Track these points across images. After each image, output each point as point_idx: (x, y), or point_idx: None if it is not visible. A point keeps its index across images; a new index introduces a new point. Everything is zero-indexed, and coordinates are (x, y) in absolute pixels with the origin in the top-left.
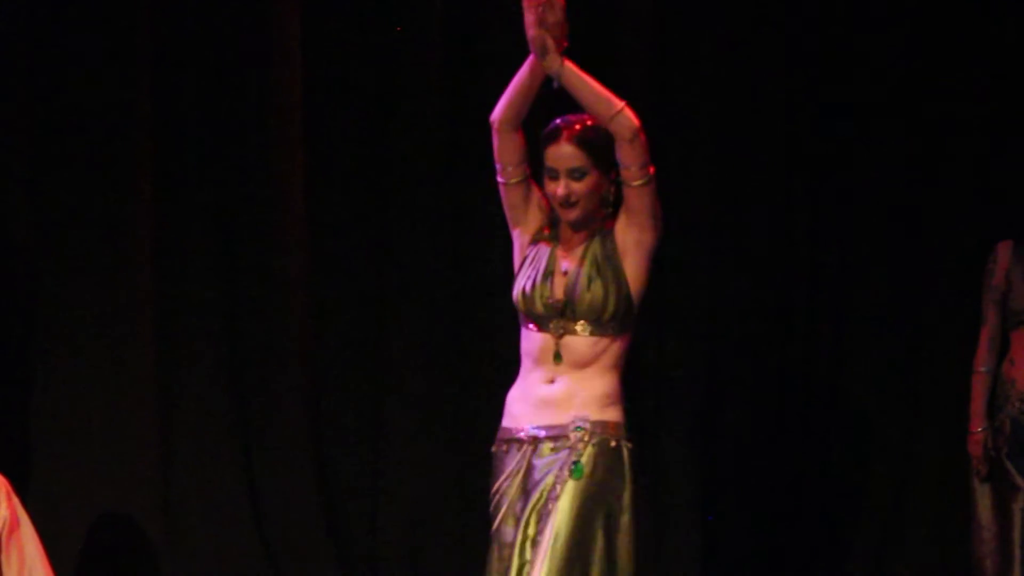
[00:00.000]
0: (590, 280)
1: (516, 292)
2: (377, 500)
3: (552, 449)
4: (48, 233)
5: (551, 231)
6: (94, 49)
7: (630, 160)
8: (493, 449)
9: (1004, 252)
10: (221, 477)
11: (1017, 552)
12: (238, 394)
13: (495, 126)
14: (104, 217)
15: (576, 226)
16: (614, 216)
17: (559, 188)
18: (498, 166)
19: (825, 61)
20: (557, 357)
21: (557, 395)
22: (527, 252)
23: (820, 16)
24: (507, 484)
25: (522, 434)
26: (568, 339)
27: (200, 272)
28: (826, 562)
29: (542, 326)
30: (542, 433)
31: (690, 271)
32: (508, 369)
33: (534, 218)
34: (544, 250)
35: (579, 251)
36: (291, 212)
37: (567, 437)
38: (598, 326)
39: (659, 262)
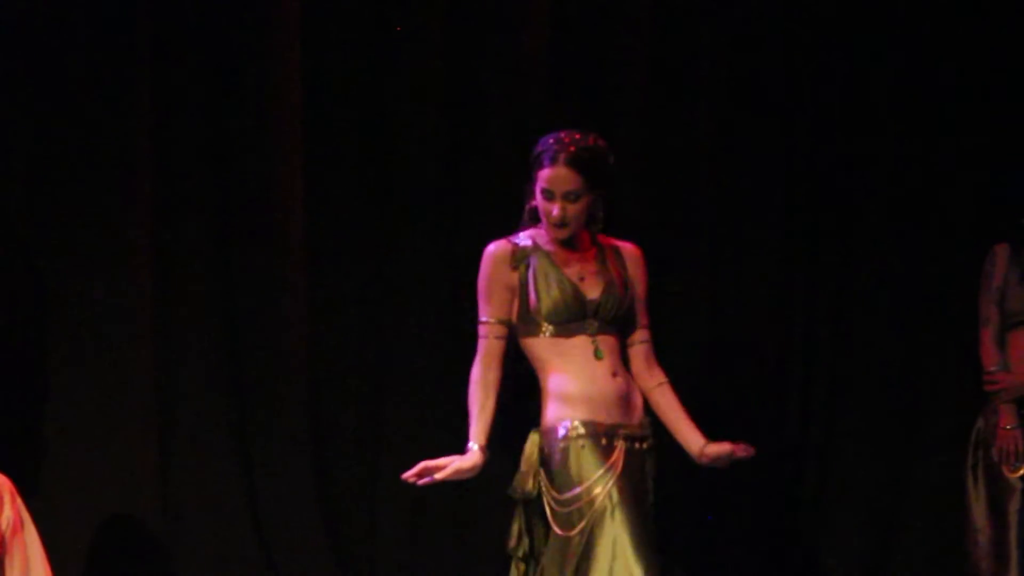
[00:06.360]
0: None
1: (544, 302)
2: (377, 500)
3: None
4: (48, 233)
5: (520, 256)
6: (94, 48)
7: None
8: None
9: (1002, 254)
10: (221, 477)
11: (1014, 553)
12: (238, 394)
13: None
14: (104, 217)
15: (566, 243)
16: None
17: (555, 209)
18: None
19: (825, 60)
20: (597, 353)
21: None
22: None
23: (820, 16)
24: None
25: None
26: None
27: (200, 272)
28: (826, 562)
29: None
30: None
31: (690, 272)
32: (507, 368)
33: (507, 286)
34: (539, 265)
35: (587, 261)
36: (291, 212)
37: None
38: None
39: (659, 262)
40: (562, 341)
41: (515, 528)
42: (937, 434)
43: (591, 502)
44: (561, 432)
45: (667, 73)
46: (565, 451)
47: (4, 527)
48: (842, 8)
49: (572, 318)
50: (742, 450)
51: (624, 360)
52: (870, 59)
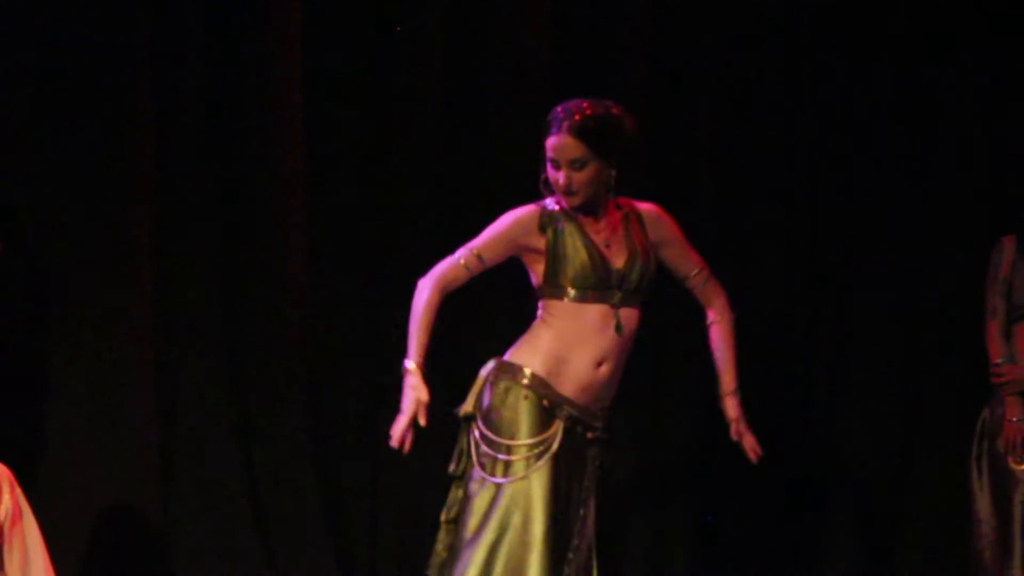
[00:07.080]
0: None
1: (572, 265)
2: (377, 500)
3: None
4: (48, 232)
5: (548, 219)
6: (94, 48)
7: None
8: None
9: (1009, 246)
10: (221, 477)
11: (1017, 544)
12: (238, 394)
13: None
14: (104, 217)
15: (590, 210)
16: (622, 193)
17: (561, 178)
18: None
19: (825, 60)
20: (618, 327)
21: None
22: (538, 243)
23: (820, 16)
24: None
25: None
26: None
27: (200, 272)
28: (826, 562)
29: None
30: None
31: None
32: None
33: (520, 247)
34: (567, 228)
35: (612, 228)
36: (291, 212)
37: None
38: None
39: (658, 263)
40: (583, 307)
41: (460, 450)
42: (937, 432)
43: (508, 465)
44: (506, 369)
45: (667, 73)
46: (503, 394)
47: (3, 517)
48: (842, 8)
49: (597, 285)
50: (747, 443)
51: (639, 336)
52: (870, 59)
